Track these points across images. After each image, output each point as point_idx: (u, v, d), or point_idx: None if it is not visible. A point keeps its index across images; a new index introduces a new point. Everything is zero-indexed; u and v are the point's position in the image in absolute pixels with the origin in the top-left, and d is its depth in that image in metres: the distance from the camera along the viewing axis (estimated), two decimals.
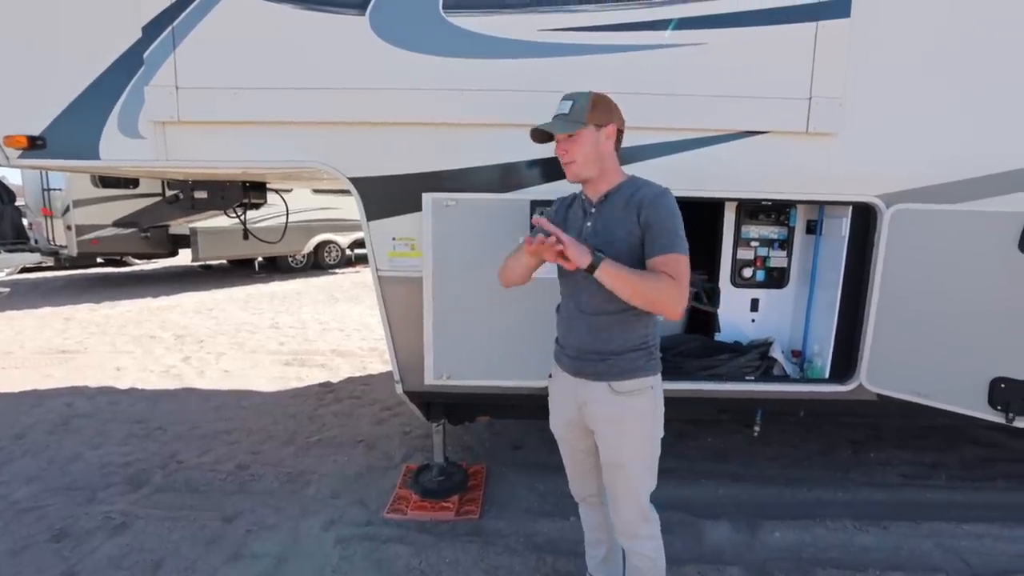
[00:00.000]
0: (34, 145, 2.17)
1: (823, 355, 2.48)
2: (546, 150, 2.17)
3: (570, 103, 1.49)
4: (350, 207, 10.44)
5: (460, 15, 2.06)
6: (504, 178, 2.19)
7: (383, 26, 2.06)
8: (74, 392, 4.15)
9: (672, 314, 1.39)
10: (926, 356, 2.24)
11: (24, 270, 10.41)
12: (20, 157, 2.19)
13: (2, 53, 2.12)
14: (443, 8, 2.06)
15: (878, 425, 3.41)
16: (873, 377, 2.30)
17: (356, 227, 11.08)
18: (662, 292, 1.36)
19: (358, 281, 9.82)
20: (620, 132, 1.54)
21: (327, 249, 11.09)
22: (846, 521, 2.45)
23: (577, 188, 1.64)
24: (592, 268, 1.35)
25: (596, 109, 1.47)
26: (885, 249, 2.19)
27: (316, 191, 8.55)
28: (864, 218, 2.28)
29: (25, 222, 9.84)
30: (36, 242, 9.05)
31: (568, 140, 1.49)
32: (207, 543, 2.29)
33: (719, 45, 2.08)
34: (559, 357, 1.64)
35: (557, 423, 1.71)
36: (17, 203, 10.28)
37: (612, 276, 1.36)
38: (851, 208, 2.28)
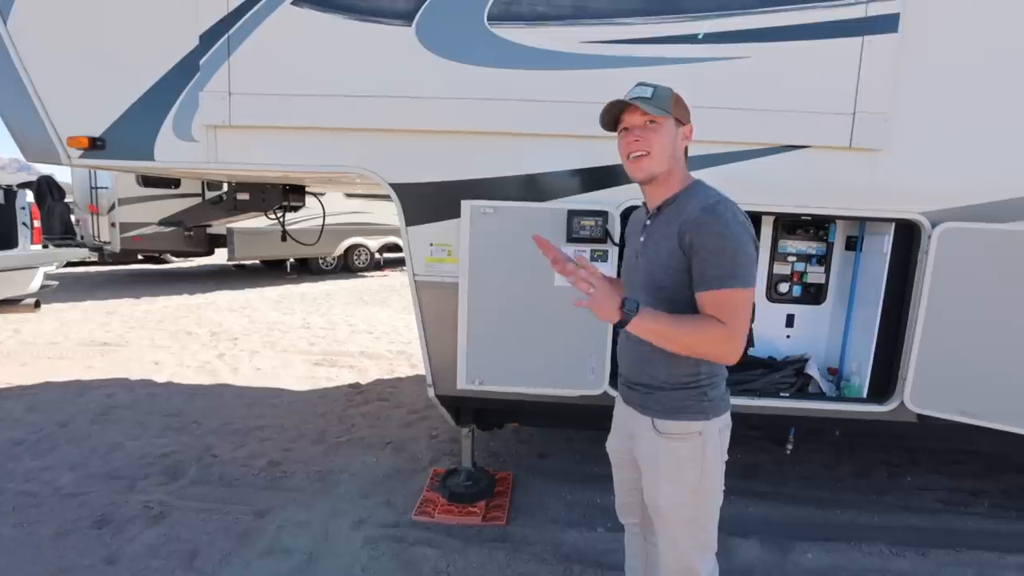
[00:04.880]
0: (94, 146, 2.28)
1: (861, 374, 2.43)
2: (584, 159, 2.21)
3: (651, 89, 1.29)
4: (381, 212, 10.63)
5: (504, 27, 2.11)
6: (542, 187, 2.22)
7: (429, 36, 2.12)
8: (115, 384, 4.31)
9: (726, 363, 1.28)
10: (976, 375, 2.16)
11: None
12: (81, 157, 2.30)
13: (67, 58, 2.24)
14: (488, 20, 2.10)
15: (914, 448, 3.30)
16: (916, 397, 2.23)
17: (386, 231, 11.26)
18: (710, 344, 1.22)
19: (386, 284, 9.96)
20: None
21: (357, 252, 11.28)
22: (882, 545, 2.38)
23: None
24: (622, 324, 1.20)
25: (679, 104, 1.32)
26: (933, 267, 2.13)
27: (348, 195, 8.71)
28: (907, 235, 2.23)
29: (73, 218, 10.32)
30: (82, 238, 9.46)
31: (646, 128, 1.29)
32: (240, 536, 2.36)
33: (762, 59, 2.08)
34: (619, 381, 1.55)
35: (611, 445, 1.63)
36: (66, 200, 10.81)
37: (645, 332, 1.22)
38: (894, 225, 2.23)
